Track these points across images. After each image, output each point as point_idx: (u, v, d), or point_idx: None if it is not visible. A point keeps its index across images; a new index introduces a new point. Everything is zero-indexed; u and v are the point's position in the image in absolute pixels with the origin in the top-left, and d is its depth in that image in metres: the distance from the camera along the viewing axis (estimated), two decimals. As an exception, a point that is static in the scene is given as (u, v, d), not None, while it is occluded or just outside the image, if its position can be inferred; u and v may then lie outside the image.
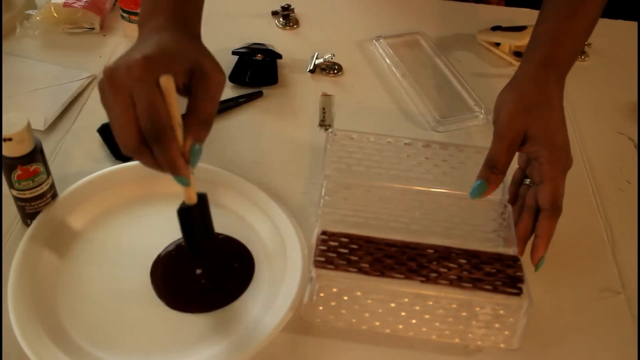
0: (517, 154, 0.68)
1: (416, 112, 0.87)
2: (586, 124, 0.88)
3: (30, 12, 0.95)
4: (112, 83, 0.51)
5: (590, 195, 0.78)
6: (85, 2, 0.94)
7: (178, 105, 0.52)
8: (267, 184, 0.74)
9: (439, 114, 0.85)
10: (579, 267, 0.70)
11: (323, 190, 0.67)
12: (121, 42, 0.94)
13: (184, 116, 0.54)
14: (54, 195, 0.67)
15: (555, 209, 0.63)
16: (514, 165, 0.70)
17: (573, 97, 0.91)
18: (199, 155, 0.54)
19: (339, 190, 0.67)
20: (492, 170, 0.63)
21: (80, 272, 0.64)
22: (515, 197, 0.69)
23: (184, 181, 0.54)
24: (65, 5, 0.93)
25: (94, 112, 0.82)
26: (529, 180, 0.68)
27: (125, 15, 0.93)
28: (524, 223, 0.65)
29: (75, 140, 0.78)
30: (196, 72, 0.54)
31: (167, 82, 0.51)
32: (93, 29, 0.95)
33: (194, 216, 0.59)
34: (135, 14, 0.92)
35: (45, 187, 0.65)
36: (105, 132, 0.78)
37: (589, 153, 0.83)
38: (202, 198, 0.59)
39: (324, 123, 0.83)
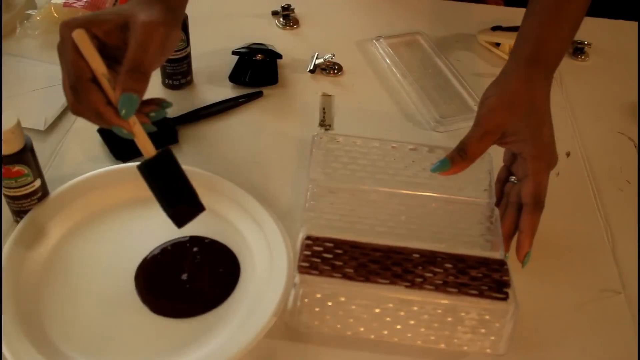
0: (504, 153, 0.69)
1: (416, 112, 0.87)
2: (586, 124, 0.88)
3: (30, 12, 0.95)
4: (57, 48, 0.55)
5: (590, 195, 0.78)
6: (86, 2, 0.94)
7: (97, 57, 0.54)
8: (266, 184, 0.74)
9: (439, 114, 0.85)
10: (579, 267, 0.70)
11: (308, 194, 0.66)
12: (121, 42, 0.94)
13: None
14: (43, 197, 0.66)
15: (538, 204, 0.63)
16: (500, 163, 0.70)
17: (573, 97, 0.91)
18: (131, 104, 0.53)
19: (325, 194, 0.67)
20: (459, 153, 0.63)
21: (64, 275, 0.64)
22: (501, 195, 0.69)
23: (121, 132, 0.55)
24: (65, 5, 0.93)
25: (94, 112, 0.82)
26: (514, 177, 0.68)
27: (125, 15, 0.93)
28: (508, 219, 0.65)
29: (75, 140, 0.78)
30: (130, 27, 0.55)
31: (78, 35, 0.53)
32: (93, 29, 0.95)
33: (155, 170, 0.56)
34: (135, 14, 0.92)
35: (30, 189, 0.64)
36: (105, 132, 0.78)
37: (589, 153, 0.83)
38: (165, 152, 0.56)
39: (324, 123, 0.83)
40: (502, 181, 0.70)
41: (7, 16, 0.93)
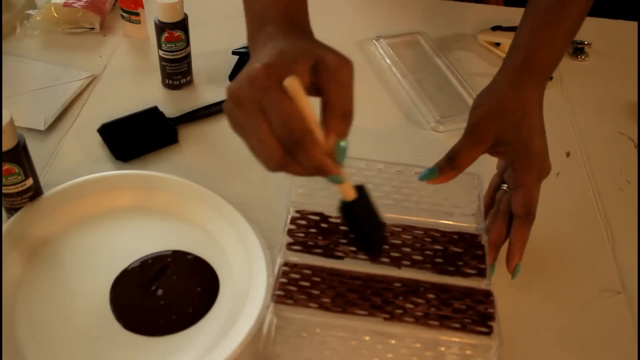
0: (497, 160, 0.68)
1: (416, 112, 0.87)
2: (586, 124, 0.88)
3: (30, 12, 0.95)
4: (238, 100, 0.49)
5: (590, 195, 0.78)
6: (86, 2, 0.94)
7: (310, 105, 0.49)
8: (266, 184, 0.74)
9: (439, 114, 0.85)
10: (579, 267, 0.70)
11: (289, 217, 0.62)
12: (121, 42, 0.94)
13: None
14: (35, 196, 0.66)
15: (528, 215, 0.62)
16: (493, 171, 0.69)
17: (573, 97, 0.91)
18: (345, 150, 0.51)
19: (306, 217, 0.63)
20: (448, 162, 0.62)
21: (42, 283, 0.62)
22: (491, 203, 0.68)
23: (337, 179, 0.52)
24: (65, 5, 0.93)
25: (94, 112, 0.82)
26: (506, 185, 0.67)
27: (125, 15, 0.93)
28: (497, 228, 0.64)
29: (75, 141, 0.78)
30: (320, 68, 0.51)
31: (293, 83, 0.48)
32: (93, 29, 0.95)
33: (357, 211, 0.56)
34: (136, 14, 0.92)
35: (21, 187, 0.63)
36: (105, 132, 0.78)
37: (589, 153, 0.83)
38: (361, 190, 0.56)
39: (324, 123, 0.83)
40: (494, 188, 0.68)
41: (7, 16, 0.93)
